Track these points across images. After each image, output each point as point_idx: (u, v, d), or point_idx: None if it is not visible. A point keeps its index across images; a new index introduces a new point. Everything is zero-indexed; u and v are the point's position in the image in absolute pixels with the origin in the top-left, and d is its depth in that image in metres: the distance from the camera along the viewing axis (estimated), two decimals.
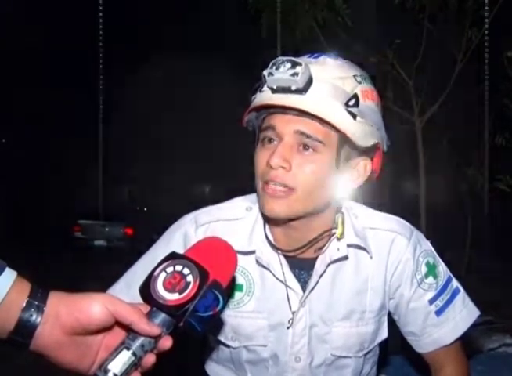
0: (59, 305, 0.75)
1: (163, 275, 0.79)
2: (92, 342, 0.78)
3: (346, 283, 1.24)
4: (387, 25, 5.97)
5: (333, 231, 1.22)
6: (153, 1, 17.30)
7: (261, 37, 6.17)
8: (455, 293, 1.31)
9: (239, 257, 0.95)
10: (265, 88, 1.12)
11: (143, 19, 17.07)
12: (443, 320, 1.28)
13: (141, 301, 0.80)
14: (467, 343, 1.37)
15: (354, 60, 1.21)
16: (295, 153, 1.11)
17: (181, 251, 0.87)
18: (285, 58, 1.09)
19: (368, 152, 1.16)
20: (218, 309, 0.80)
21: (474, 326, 1.32)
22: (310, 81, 1.09)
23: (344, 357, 1.27)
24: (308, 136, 1.10)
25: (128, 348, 0.75)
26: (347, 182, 1.17)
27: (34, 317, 0.74)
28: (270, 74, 1.10)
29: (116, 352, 0.76)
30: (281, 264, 1.22)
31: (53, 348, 0.75)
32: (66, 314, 0.75)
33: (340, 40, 5.76)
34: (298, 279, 1.23)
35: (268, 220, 1.21)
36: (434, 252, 1.32)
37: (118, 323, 0.78)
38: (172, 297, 0.77)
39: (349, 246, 1.22)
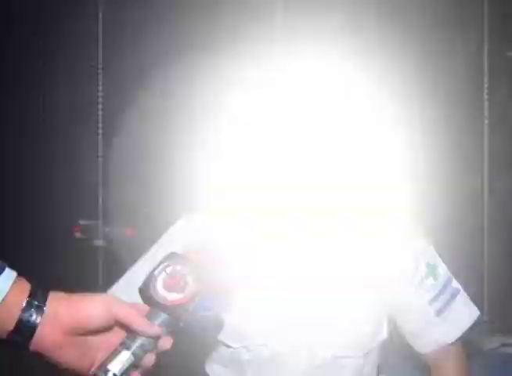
0: (59, 305, 0.75)
1: (163, 275, 0.79)
2: (92, 342, 0.78)
3: None
4: None
5: None
6: None
7: None
8: (455, 293, 1.30)
9: None
10: None
11: None
12: (443, 320, 1.28)
13: (141, 301, 0.80)
14: (467, 343, 1.37)
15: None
16: None
17: (181, 250, 0.87)
18: None
19: None
20: (219, 309, 0.80)
21: (474, 326, 1.32)
22: None
23: (344, 357, 1.27)
24: None
25: (128, 349, 0.75)
26: None
27: (33, 317, 0.73)
28: None
29: (116, 352, 0.75)
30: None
31: (53, 348, 0.75)
32: (66, 314, 0.75)
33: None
34: None
35: None
36: (435, 252, 1.32)
37: (118, 324, 0.78)
38: (172, 297, 0.77)
39: None
